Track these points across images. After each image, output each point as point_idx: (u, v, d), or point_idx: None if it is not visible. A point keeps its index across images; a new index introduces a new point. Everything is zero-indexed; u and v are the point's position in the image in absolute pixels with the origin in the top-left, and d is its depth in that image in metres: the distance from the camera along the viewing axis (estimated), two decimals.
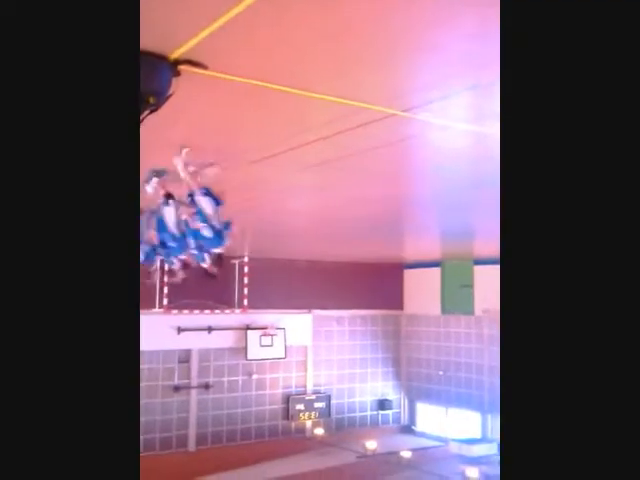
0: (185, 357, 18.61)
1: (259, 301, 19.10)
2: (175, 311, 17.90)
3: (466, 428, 21.01)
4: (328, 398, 20.99)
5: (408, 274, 23.30)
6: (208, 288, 17.79)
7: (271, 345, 19.68)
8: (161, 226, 5.63)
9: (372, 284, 21.83)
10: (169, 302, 17.44)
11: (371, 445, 19.30)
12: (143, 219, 5.66)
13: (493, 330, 20.74)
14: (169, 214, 5.58)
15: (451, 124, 5.46)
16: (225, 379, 19.36)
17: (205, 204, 5.25)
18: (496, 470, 17.72)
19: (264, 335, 19.59)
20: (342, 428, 21.38)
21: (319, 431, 20.29)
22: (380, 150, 6.40)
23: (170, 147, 5.37)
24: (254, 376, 19.65)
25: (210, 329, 18.70)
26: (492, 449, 19.41)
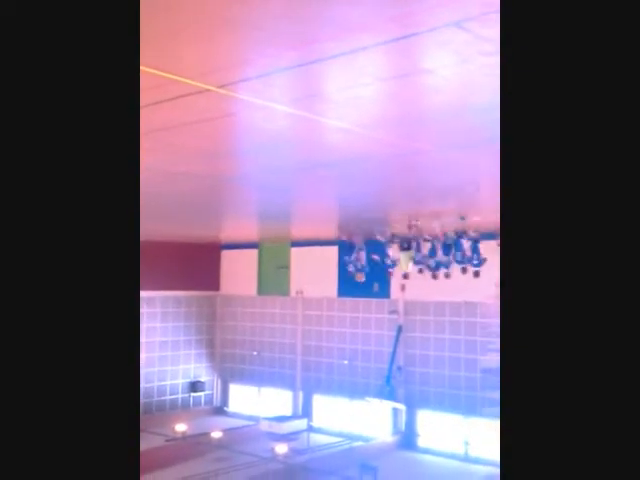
0: None
1: None
2: None
3: (278, 406, 21.41)
4: None
5: (225, 255, 23.06)
6: None
7: None
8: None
9: (187, 264, 21.27)
10: None
11: (180, 428, 18.91)
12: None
13: (307, 310, 21.32)
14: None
15: (270, 104, 5.25)
16: None
17: None
18: (304, 445, 18.32)
19: None
20: (151, 412, 20.69)
21: None
22: (195, 126, 6.02)
23: None
24: None
25: None
26: (301, 425, 20.03)
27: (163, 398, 21.31)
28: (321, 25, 3.67)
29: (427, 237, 13.64)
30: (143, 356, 20.66)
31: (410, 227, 13.30)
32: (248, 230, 18.71)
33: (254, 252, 22.23)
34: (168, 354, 21.41)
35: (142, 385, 20.46)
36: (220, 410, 22.67)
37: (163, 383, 21.31)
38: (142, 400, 20.40)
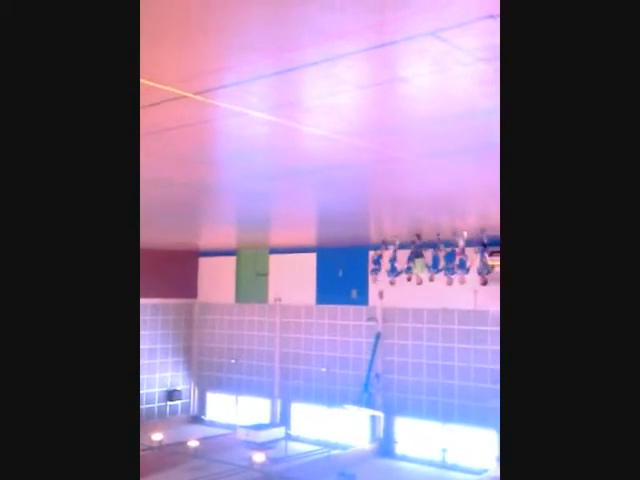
0: None
1: None
2: None
3: (255, 415, 21.27)
4: None
5: (203, 262, 22.91)
6: None
7: None
8: None
9: (165, 272, 21.07)
10: None
11: (157, 437, 18.69)
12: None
13: (285, 318, 21.24)
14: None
15: (248, 111, 5.23)
16: None
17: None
18: (282, 453, 18.21)
19: None
20: None
21: None
22: (173, 132, 5.99)
23: None
24: None
25: None
26: (279, 433, 19.91)
27: (139, 407, 21.08)
28: (299, 32, 3.68)
29: (438, 244, 13.85)
30: None
31: (418, 236, 13.77)
32: (227, 237, 18.62)
33: (232, 259, 22.12)
34: (144, 362, 21.17)
35: None
36: (197, 419, 22.46)
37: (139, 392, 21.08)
38: None
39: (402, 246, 14.47)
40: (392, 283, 14.66)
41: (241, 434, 19.63)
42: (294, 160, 7.56)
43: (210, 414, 22.56)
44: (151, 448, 18.33)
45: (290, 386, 20.94)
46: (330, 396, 19.93)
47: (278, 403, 21.12)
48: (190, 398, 22.62)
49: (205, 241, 20.26)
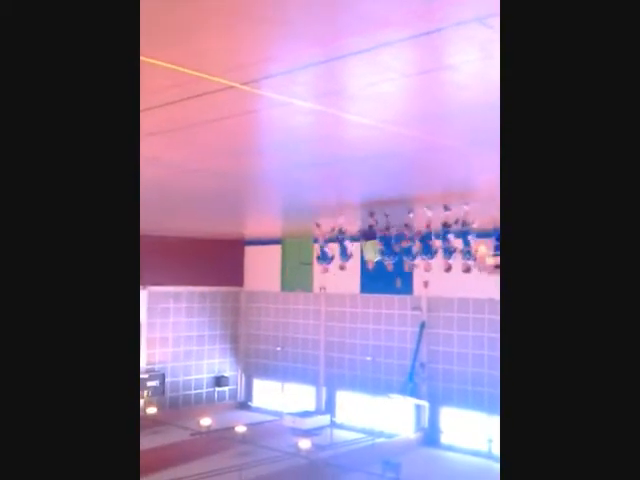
0: None
1: None
2: None
3: (301, 402, 21.49)
4: (162, 376, 20.41)
5: (249, 251, 23.17)
6: None
7: None
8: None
9: (212, 260, 21.41)
10: None
11: (205, 422, 19.07)
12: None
13: (330, 307, 21.35)
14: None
15: (293, 101, 5.27)
16: None
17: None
18: (327, 441, 18.36)
19: None
20: (176, 406, 20.92)
21: (152, 410, 19.64)
22: (219, 123, 6.07)
23: None
24: None
25: None
26: (324, 421, 20.08)
27: (188, 392, 21.52)
28: (345, 21, 3.69)
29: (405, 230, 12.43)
30: (170, 350, 20.90)
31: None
32: (271, 226, 18.78)
33: (277, 248, 22.30)
34: (193, 349, 21.61)
35: (169, 379, 20.72)
36: (244, 405, 22.82)
37: (188, 378, 21.52)
38: (169, 394, 20.67)
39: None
40: (342, 268, 13.39)
41: (287, 421, 19.87)
42: (339, 149, 7.57)
43: (256, 400, 22.89)
44: (200, 433, 18.73)
45: (335, 374, 21.05)
46: (375, 385, 19.96)
47: (323, 391, 21.28)
48: (237, 384, 22.99)
49: (251, 230, 20.47)
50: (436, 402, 18.80)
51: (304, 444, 16.99)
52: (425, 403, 18.78)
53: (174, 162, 8.39)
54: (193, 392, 21.60)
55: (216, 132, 6.52)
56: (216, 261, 21.66)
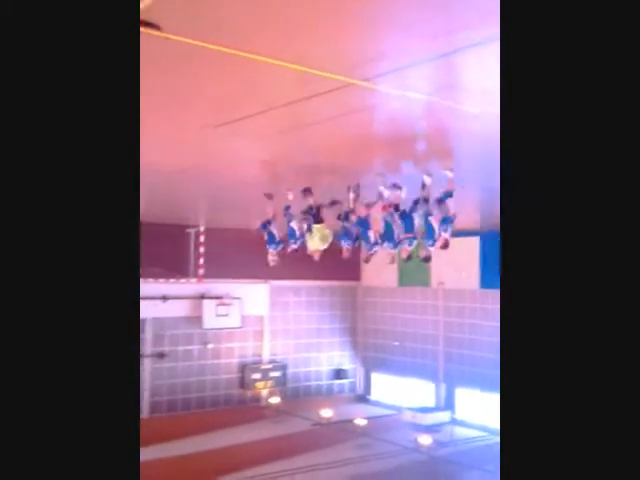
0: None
1: (215, 270, 18.92)
2: None
3: (420, 397, 21.41)
4: (284, 367, 21.07)
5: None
6: (163, 257, 17.53)
7: (227, 315, 19.60)
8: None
9: (331, 255, 21.78)
10: None
11: (326, 413, 19.49)
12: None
13: (448, 302, 21.09)
14: None
15: (408, 94, 5.37)
16: (180, 348, 19.23)
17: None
18: (448, 438, 18.17)
19: (220, 305, 19.49)
20: (298, 397, 21.53)
21: (274, 400, 20.39)
22: (340, 119, 6.28)
23: None
24: (210, 345, 19.57)
25: (165, 298, 18.50)
26: (445, 417, 19.87)
27: (308, 384, 22.10)
28: (459, 14, 3.76)
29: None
30: (292, 342, 21.56)
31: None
32: None
33: None
34: (313, 341, 22.15)
35: (290, 370, 21.36)
36: (362, 398, 23.08)
37: (308, 369, 22.10)
38: (290, 385, 21.32)
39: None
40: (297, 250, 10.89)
41: (407, 416, 19.86)
42: (455, 142, 7.56)
43: (375, 394, 23.08)
44: (320, 424, 19.20)
45: (455, 370, 20.79)
46: (496, 383, 19.47)
47: (443, 387, 21.08)
48: (356, 377, 23.30)
49: None
50: None
51: (424, 440, 16.87)
52: None
53: (291, 161, 8.71)
54: (313, 384, 22.15)
55: (335, 129, 6.73)
56: (334, 256, 22.03)
